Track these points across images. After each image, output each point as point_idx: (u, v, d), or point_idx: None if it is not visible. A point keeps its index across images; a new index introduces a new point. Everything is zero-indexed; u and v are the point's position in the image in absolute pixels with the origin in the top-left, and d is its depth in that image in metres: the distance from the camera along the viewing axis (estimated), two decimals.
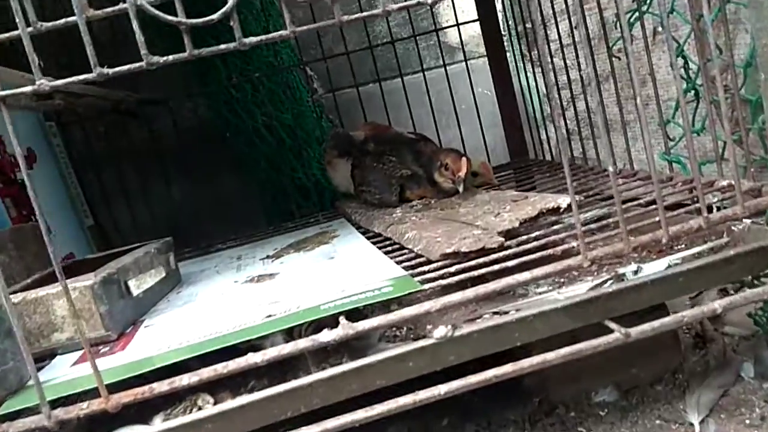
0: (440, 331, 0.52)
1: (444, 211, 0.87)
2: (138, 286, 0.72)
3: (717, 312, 0.54)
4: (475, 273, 0.59)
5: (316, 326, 0.57)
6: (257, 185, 1.29)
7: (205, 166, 1.29)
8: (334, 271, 0.73)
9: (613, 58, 0.87)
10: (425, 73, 1.33)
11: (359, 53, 1.31)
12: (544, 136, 1.20)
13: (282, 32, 0.50)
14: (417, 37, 1.33)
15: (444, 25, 1.44)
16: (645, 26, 0.78)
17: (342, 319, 0.54)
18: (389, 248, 0.81)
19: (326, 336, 0.53)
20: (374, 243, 0.84)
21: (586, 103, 0.97)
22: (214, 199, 1.30)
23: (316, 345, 0.53)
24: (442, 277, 0.63)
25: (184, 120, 1.26)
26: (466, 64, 1.34)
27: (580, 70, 0.95)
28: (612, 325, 0.53)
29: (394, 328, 0.68)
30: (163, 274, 0.81)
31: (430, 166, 0.95)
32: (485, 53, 1.33)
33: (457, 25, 1.27)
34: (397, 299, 0.60)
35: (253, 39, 0.50)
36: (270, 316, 0.60)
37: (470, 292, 0.55)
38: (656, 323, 0.53)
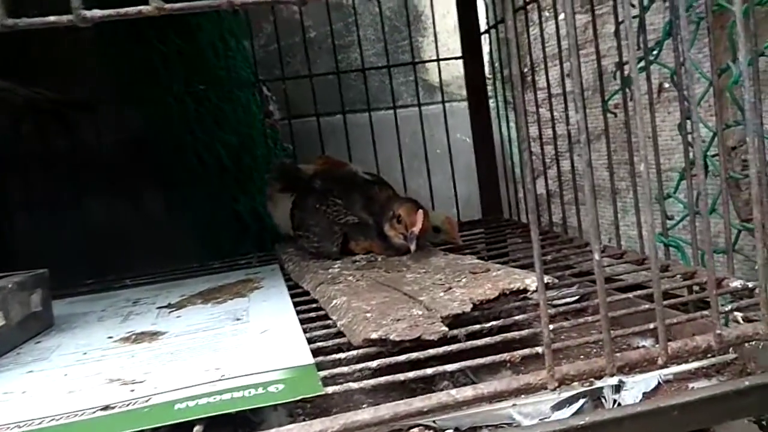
0: None
1: (388, 274, 0.71)
2: None
3: None
4: (402, 377, 0.43)
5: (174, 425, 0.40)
6: (190, 214, 1.12)
7: (131, 186, 1.11)
8: (229, 341, 0.56)
9: (608, 115, 0.73)
10: (398, 110, 1.18)
11: (328, 80, 1.16)
12: (522, 195, 1.06)
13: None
14: (392, 70, 1.19)
15: (425, 60, 1.30)
16: (650, 79, 0.64)
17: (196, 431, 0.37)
18: (313, 314, 0.64)
19: None
20: (298, 305, 0.67)
21: (572, 163, 0.82)
22: (138, 224, 1.12)
23: None
24: (359, 372, 0.46)
25: (112, 131, 1.08)
26: (444, 105, 1.20)
27: (568, 123, 0.81)
28: None
29: None
30: (17, 318, 0.63)
31: (382, 215, 0.79)
32: (466, 97, 1.20)
33: (438, 60, 1.13)
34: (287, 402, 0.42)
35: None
36: (107, 407, 0.42)
37: (385, 410, 0.38)
38: None
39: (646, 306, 0.52)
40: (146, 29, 1.03)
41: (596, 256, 0.39)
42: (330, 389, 0.42)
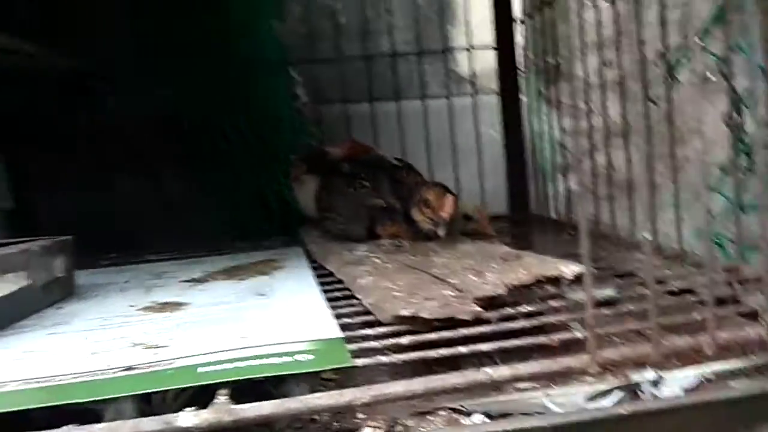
0: None
1: (415, 258, 0.69)
2: None
3: None
4: (433, 353, 0.41)
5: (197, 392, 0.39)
6: (215, 193, 1.11)
7: (156, 163, 1.11)
8: (253, 313, 0.55)
9: (648, 106, 0.71)
10: (427, 100, 1.16)
11: (355, 66, 1.15)
12: (551, 191, 1.03)
13: None
14: (423, 59, 1.17)
15: (455, 49, 1.28)
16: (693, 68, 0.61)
17: (220, 395, 0.36)
18: (339, 294, 0.63)
19: (186, 419, 0.34)
20: (323, 284, 0.65)
21: (608, 157, 0.80)
22: (161, 201, 1.11)
23: (169, 430, 0.34)
24: (387, 349, 0.44)
25: (139, 106, 1.08)
26: (474, 97, 1.18)
27: (605, 115, 0.78)
28: None
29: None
30: (41, 282, 0.63)
31: (410, 200, 0.78)
32: (497, 89, 1.18)
33: (469, 49, 1.11)
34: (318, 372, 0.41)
35: None
36: (129, 368, 0.41)
37: (418, 384, 0.37)
38: None
39: (692, 299, 0.50)
40: (179, 5, 1.03)
41: (647, 237, 0.37)
42: (359, 361, 0.40)
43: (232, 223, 1.11)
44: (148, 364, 0.42)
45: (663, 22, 0.69)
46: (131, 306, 0.62)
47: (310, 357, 0.41)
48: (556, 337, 0.42)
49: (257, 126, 1.09)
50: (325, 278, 0.70)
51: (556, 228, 0.94)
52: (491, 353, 0.45)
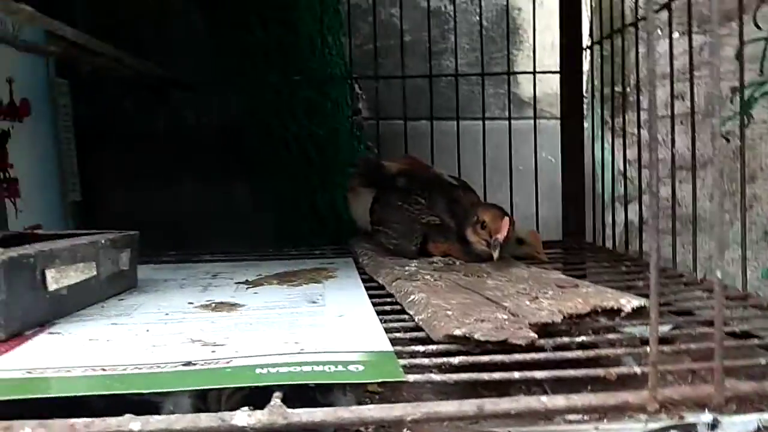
0: None
1: (468, 278, 0.69)
2: (58, 279, 0.56)
3: None
4: (486, 376, 0.41)
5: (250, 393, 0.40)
6: (272, 200, 1.14)
7: (220, 168, 1.15)
8: (306, 320, 0.56)
9: (720, 141, 0.69)
10: (486, 121, 1.16)
11: (418, 85, 1.16)
12: (608, 220, 1.01)
13: None
14: (485, 80, 1.17)
15: (520, 72, 1.28)
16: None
17: (275, 398, 0.37)
18: (388, 308, 0.63)
19: (242, 418, 0.35)
20: (373, 297, 0.66)
21: (673, 189, 0.78)
22: (222, 204, 1.15)
23: (224, 428, 0.35)
24: (438, 367, 0.44)
25: (209, 114, 1.12)
26: (535, 121, 1.17)
27: (673, 146, 0.76)
28: None
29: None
30: (106, 273, 0.65)
31: (465, 219, 0.78)
32: (558, 114, 1.17)
33: (534, 73, 1.11)
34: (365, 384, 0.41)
35: None
36: (189, 363, 0.43)
37: (470, 405, 0.36)
38: None
39: (755, 343, 0.48)
40: (252, 17, 1.07)
41: (717, 274, 0.36)
42: (411, 377, 0.40)
43: (285, 229, 1.14)
44: (206, 361, 0.43)
45: (739, 56, 0.68)
46: (189, 303, 0.64)
47: (362, 368, 0.41)
48: (614, 371, 0.41)
49: (317, 137, 1.11)
50: (375, 291, 0.70)
51: (612, 258, 0.92)
52: (542, 381, 0.44)
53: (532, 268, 0.74)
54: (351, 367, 0.41)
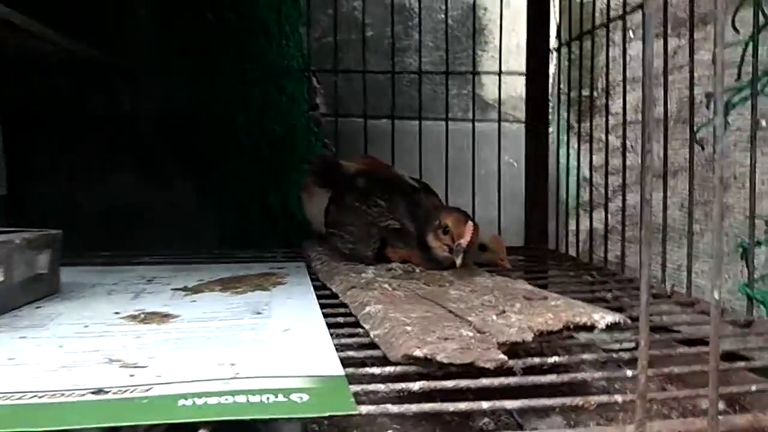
0: None
1: (428, 288, 0.64)
2: None
3: None
4: (450, 407, 0.35)
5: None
6: (219, 198, 1.06)
7: (162, 163, 1.06)
8: (247, 335, 0.49)
9: (693, 149, 0.66)
10: (449, 122, 1.12)
11: (380, 82, 1.11)
12: (572, 227, 0.98)
13: None
14: (449, 80, 1.13)
15: (484, 73, 1.24)
16: (756, 111, 0.57)
17: None
18: (341, 320, 0.57)
19: None
20: (325, 307, 0.60)
21: (642, 197, 0.75)
22: (163, 201, 1.06)
23: None
24: (396, 395, 0.39)
25: (151, 103, 1.04)
26: (499, 124, 1.13)
27: (643, 152, 0.73)
28: None
29: None
30: (20, 277, 0.57)
31: (426, 224, 0.72)
32: (522, 118, 1.13)
33: (500, 73, 1.07)
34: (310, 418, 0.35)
35: None
36: (100, 391, 0.36)
37: None
38: None
39: (742, 365, 0.44)
40: (203, 3, 0.99)
41: (715, 295, 0.32)
42: (364, 408, 0.34)
43: (233, 230, 1.06)
44: (121, 389, 0.36)
45: (715, 61, 0.65)
46: (116, 313, 0.57)
47: (307, 398, 0.35)
48: (594, 399, 0.36)
49: (271, 132, 1.04)
50: (328, 300, 0.64)
51: (576, 267, 0.89)
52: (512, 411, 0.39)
53: (496, 277, 0.69)
54: (294, 397, 0.35)
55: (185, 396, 0.34)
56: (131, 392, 0.36)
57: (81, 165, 1.03)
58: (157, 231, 1.04)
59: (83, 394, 0.36)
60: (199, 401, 0.34)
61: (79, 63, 0.97)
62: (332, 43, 1.11)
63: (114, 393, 0.36)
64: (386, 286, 0.64)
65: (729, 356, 0.48)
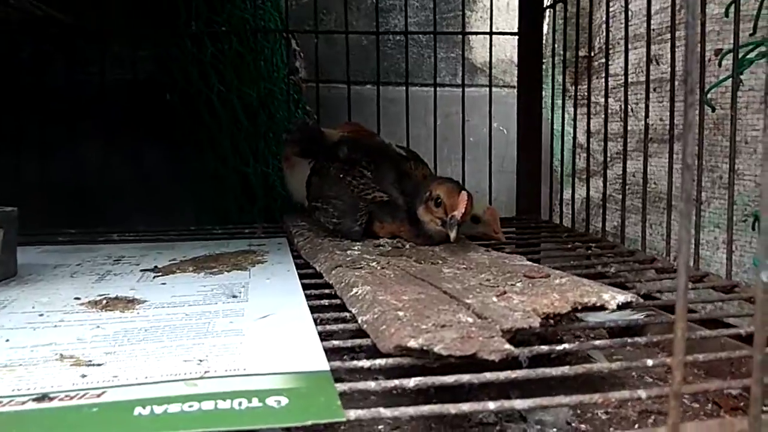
0: None
1: (420, 265, 0.59)
2: None
3: None
4: (452, 409, 0.31)
5: None
6: (194, 170, 1.00)
7: (132, 133, 0.99)
8: (220, 323, 0.44)
9: (704, 109, 0.61)
10: (438, 88, 1.06)
11: (363, 45, 1.04)
12: (567, 197, 0.93)
13: None
14: (437, 41, 1.06)
15: (475, 32, 1.18)
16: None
17: None
18: (326, 303, 0.52)
19: None
20: (308, 288, 0.55)
21: (645, 164, 0.70)
22: (134, 175, 1.00)
23: None
24: (389, 393, 0.34)
25: (120, 69, 0.96)
26: (490, 89, 1.08)
27: (647, 116, 0.68)
28: None
29: None
30: None
31: (416, 196, 0.67)
32: (512, 82, 1.08)
33: (490, 33, 1.00)
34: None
35: None
36: (44, 397, 0.31)
37: None
38: None
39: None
40: None
41: (763, 277, 0.27)
42: (352, 414, 0.30)
43: (209, 205, 1.00)
44: (69, 393, 0.31)
45: (727, 14, 0.60)
46: (76, 299, 0.51)
47: (285, 401, 0.30)
48: (615, 396, 0.32)
49: (248, 99, 0.97)
50: (311, 280, 0.59)
51: (572, 239, 0.84)
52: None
53: (492, 253, 0.64)
54: (270, 401, 0.30)
55: (142, 402, 0.29)
56: (80, 398, 0.31)
57: (44, 136, 0.96)
58: (127, 206, 0.98)
59: (23, 402, 0.30)
60: (159, 409, 0.29)
61: (44, 28, 0.89)
62: (312, 3, 1.04)
63: (60, 399, 0.31)
64: (374, 264, 0.59)
65: (748, 338, 0.44)
